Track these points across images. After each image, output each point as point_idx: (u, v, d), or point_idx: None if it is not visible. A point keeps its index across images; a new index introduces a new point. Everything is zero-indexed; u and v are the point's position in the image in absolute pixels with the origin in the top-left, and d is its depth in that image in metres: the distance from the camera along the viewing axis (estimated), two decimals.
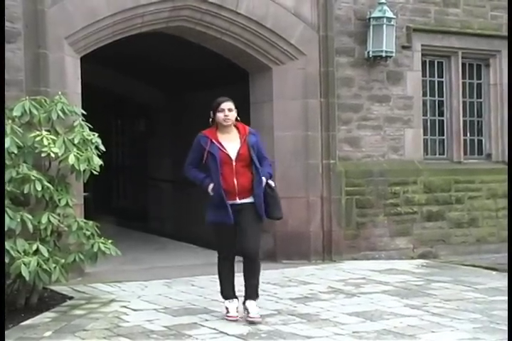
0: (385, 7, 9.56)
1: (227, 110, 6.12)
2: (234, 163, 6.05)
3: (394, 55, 9.73)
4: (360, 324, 6.17)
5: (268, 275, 7.95)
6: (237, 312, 6.19)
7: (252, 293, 6.19)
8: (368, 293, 7.46)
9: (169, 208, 13.58)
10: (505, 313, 6.51)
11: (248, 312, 6.11)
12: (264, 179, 6.11)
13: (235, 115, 6.20)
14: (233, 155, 6.08)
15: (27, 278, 6.25)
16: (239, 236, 6.13)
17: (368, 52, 9.64)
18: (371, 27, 9.57)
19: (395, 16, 9.65)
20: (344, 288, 7.76)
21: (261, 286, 6.48)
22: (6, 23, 7.41)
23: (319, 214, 9.36)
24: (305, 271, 8.73)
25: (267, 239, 9.00)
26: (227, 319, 6.16)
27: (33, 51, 7.69)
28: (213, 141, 6.08)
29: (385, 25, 9.53)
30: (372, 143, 9.84)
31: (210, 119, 6.20)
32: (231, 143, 6.13)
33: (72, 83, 8.03)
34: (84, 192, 8.07)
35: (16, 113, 6.75)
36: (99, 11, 8.14)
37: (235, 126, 6.23)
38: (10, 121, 6.62)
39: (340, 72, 9.56)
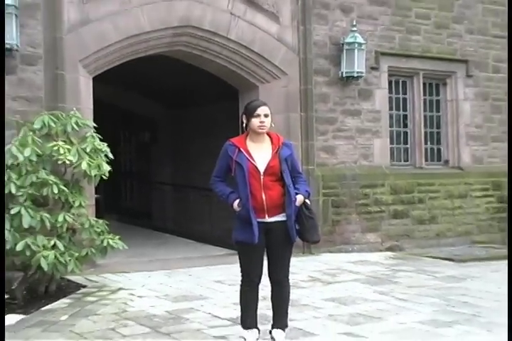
0: (356, 34, 9.61)
1: (263, 116, 4.86)
2: (262, 177, 4.71)
3: (364, 75, 9.77)
4: (335, 308, 6.20)
5: None
6: None
7: (280, 321, 4.95)
8: (343, 282, 7.49)
9: (170, 208, 13.57)
10: (460, 298, 6.57)
11: None
12: (300, 197, 4.81)
13: (270, 121, 4.91)
14: (261, 167, 4.74)
15: (46, 269, 6.26)
16: (267, 260, 4.92)
17: (342, 73, 9.68)
18: (344, 51, 9.60)
19: (365, 42, 9.68)
20: (322, 277, 7.79)
21: None
22: (29, 49, 7.46)
23: None
24: None
25: None
26: None
27: (51, 72, 7.68)
28: (241, 149, 4.78)
29: (356, 50, 9.58)
30: (345, 151, 9.87)
31: (244, 125, 4.91)
32: (261, 153, 4.82)
33: (85, 100, 8.02)
34: (96, 194, 8.05)
35: (37, 126, 6.77)
36: (109, 37, 8.14)
37: (267, 134, 4.95)
38: (31, 133, 6.64)
39: (318, 90, 9.58)
